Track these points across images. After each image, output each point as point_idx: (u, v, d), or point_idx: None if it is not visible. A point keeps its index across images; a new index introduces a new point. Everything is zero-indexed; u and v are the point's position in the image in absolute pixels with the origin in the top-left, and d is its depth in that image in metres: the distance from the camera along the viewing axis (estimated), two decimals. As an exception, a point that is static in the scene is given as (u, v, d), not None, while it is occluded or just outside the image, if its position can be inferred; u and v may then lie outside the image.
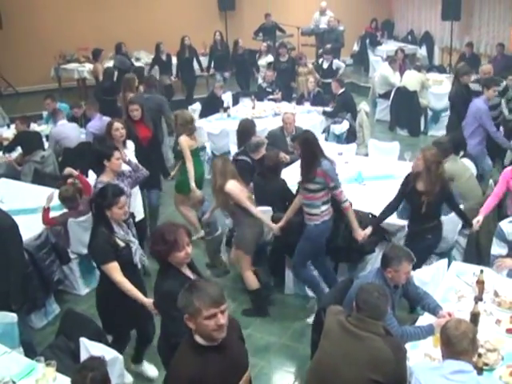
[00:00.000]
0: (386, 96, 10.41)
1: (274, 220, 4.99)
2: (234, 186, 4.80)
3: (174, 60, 11.64)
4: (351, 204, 4.61)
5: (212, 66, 11.73)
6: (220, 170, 4.83)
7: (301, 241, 4.65)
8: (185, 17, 13.39)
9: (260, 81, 10.26)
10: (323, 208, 4.53)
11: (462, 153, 5.69)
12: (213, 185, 4.90)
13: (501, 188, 4.70)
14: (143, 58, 12.34)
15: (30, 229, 4.83)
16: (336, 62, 10.68)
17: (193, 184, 5.76)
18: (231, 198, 4.79)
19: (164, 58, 11.29)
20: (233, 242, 5.16)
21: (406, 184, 4.58)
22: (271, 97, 9.57)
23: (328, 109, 8.58)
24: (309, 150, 4.50)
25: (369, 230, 4.64)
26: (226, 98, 9.52)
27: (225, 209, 5.05)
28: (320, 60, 11.03)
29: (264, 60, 11.10)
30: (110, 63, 10.89)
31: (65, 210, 5.31)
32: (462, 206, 4.82)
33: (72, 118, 7.92)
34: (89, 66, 11.68)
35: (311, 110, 8.78)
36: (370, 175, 6.04)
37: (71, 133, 7.18)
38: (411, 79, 9.84)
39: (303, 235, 4.62)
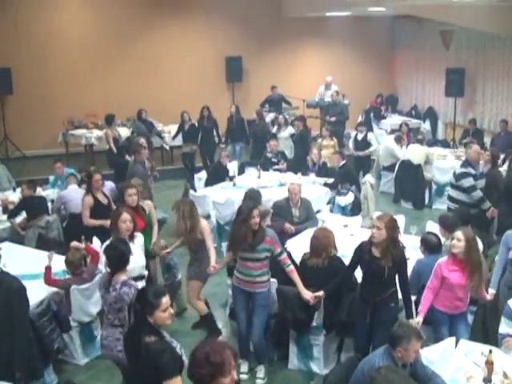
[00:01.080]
0: (390, 168, 10.61)
1: (278, 294, 5.09)
2: (207, 225, 5.47)
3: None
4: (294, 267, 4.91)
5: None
6: (189, 213, 5.37)
7: (261, 312, 4.92)
8: (194, 88, 13.96)
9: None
10: (269, 273, 4.95)
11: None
12: (180, 228, 5.37)
13: (435, 282, 4.53)
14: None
15: (32, 295, 4.76)
16: (370, 135, 10.86)
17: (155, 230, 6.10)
18: (202, 234, 5.35)
19: (186, 126, 11.39)
20: (189, 275, 5.54)
21: (361, 252, 4.66)
22: (276, 167, 9.73)
23: (328, 181, 8.74)
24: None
25: (321, 292, 4.78)
26: (232, 167, 9.72)
27: (190, 243, 5.45)
28: (354, 133, 11.28)
29: (287, 132, 11.26)
30: (122, 130, 11.31)
31: (68, 277, 5.30)
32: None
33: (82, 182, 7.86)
34: (96, 133, 12.02)
35: (316, 180, 8.97)
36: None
37: (77, 197, 7.20)
38: (416, 153, 10.06)
39: (262, 304, 4.93)
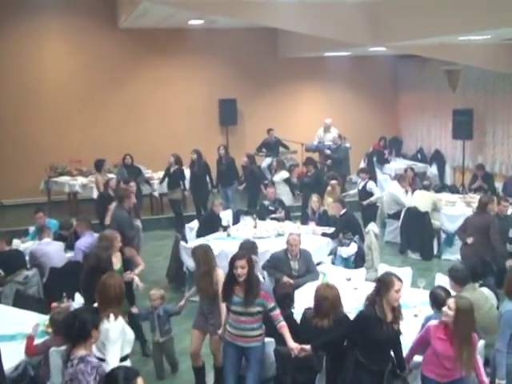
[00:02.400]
0: (395, 216, 10.63)
1: (276, 355, 5.05)
2: (222, 275, 5.33)
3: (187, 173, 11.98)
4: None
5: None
6: (203, 258, 5.46)
7: (255, 367, 4.91)
8: (185, 132, 14.14)
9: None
10: (263, 327, 4.94)
11: (480, 281, 5.83)
12: (195, 274, 5.45)
13: (419, 340, 4.53)
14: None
15: (7, 359, 4.63)
16: (370, 184, 10.80)
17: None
18: (217, 284, 5.32)
19: (172, 170, 11.47)
20: (211, 329, 5.51)
21: (370, 321, 4.46)
22: (274, 215, 9.73)
23: (328, 231, 8.76)
24: (254, 269, 4.95)
25: (308, 346, 4.68)
26: (226, 216, 9.72)
27: (206, 293, 5.48)
28: (358, 180, 11.35)
29: (279, 176, 11.32)
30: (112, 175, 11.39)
31: (47, 337, 5.21)
32: (482, 341, 4.72)
33: (59, 236, 8.07)
34: (81, 180, 12.08)
35: (316, 228, 8.99)
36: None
37: (52, 251, 7.29)
38: (422, 199, 10.11)
39: (256, 358, 4.92)
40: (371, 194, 10.70)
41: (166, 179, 11.44)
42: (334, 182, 10.42)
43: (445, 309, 4.36)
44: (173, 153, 11.48)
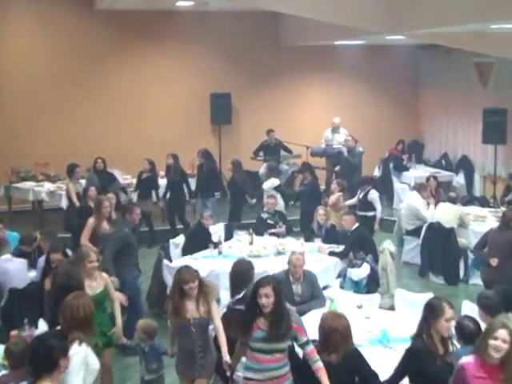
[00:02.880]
0: (415, 233, 10.62)
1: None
2: (216, 308, 5.36)
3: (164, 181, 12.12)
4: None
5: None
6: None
7: None
8: (170, 131, 14.20)
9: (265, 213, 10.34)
10: (289, 364, 4.82)
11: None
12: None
13: (457, 381, 4.42)
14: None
15: None
16: (372, 194, 10.75)
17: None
18: (211, 313, 5.29)
19: (143, 176, 11.59)
20: (192, 372, 5.35)
21: (425, 356, 4.50)
22: (273, 230, 9.74)
23: (336, 249, 8.78)
24: (282, 299, 4.75)
25: None
26: (217, 230, 9.70)
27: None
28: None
29: (269, 184, 11.37)
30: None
31: (3, 372, 5.11)
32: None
33: (21, 252, 7.97)
34: (48, 186, 12.04)
35: (323, 246, 8.97)
36: (398, 336, 5.95)
37: (12, 269, 7.28)
38: (447, 213, 10.12)
39: None
40: (372, 206, 10.68)
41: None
42: (338, 194, 10.52)
43: (496, 342, 4.24)
44: (147, 157, 11.52)
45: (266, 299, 4.69)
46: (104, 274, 6.25)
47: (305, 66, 15.21)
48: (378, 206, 10.72)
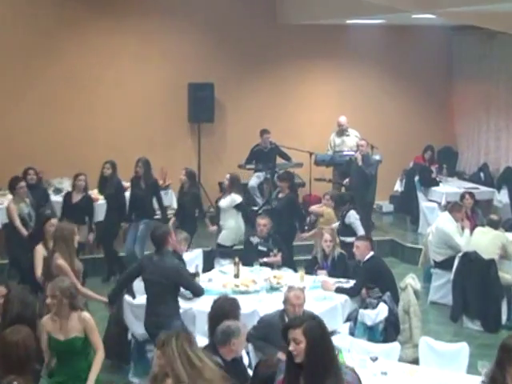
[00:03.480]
0: (446, 265, 10.65)
1: None
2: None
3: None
4: None
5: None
6: (183, 354, 4.99)
7: None
8: (136, 132, 14.25)
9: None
10: None
11: None
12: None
13: None
14: (66, 189, 12.46)
15: None
16: (350, 216, 10.82)
17: None
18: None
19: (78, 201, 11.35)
20: None
21: None
22: (266, 260, 9.74)
23: (345, 284, 8.84)
24: (322, 347, 4.49)
25: None
26: (194, 257, 9.72)
27: None
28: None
29: (227, 201, 11.24)
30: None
31: None
32: None
33: None
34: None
35: (328, 281, 9.02)
36: (423, 398, 6.03)
37: None
38: (486, 241, 10.13)
39: None
40: (352, 230, 10.74)
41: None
42: (328, 210, 10.85)
43: None
44: (78, 172, 11.36)
45: (295, 346, 4.47)
46: (85, 314, 6.29)
47: (309, 50, 15.22)
48: (359, 231, 10.71)
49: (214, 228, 11.38)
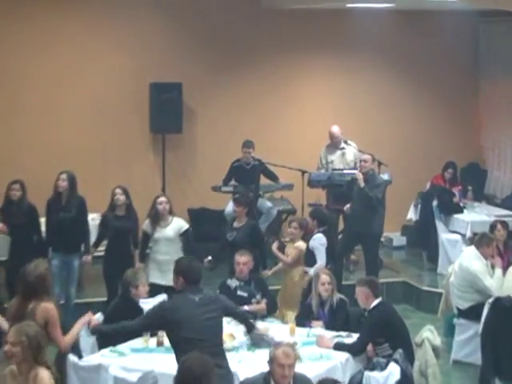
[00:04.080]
0: (472, 314, 10.61)
1: None
2: None
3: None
4: None
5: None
6: None
7: None
8: (83, 144, 14.30)
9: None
10: None
11: None
12: None
13: None
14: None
15: None
16: (316, 239, 11.06)
17: None
18: None
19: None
20: None
21: None
22: (247, 308, 9.73)
23: (346, 339, 8.89)
24: None
25: None
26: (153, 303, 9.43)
27: None
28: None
29: (170, 229, 11.38)
30: None
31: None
32: None
33: None
34: None
35: (325, 335, 8.98)
36: None
37: None
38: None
39: None
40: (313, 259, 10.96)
41: None
42: (298, 244, 10.98)
43: None
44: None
45: None
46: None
47: (301, 42, 15.36)
48: (320, 259, 10.92)
49: (140, 265, 11.41)
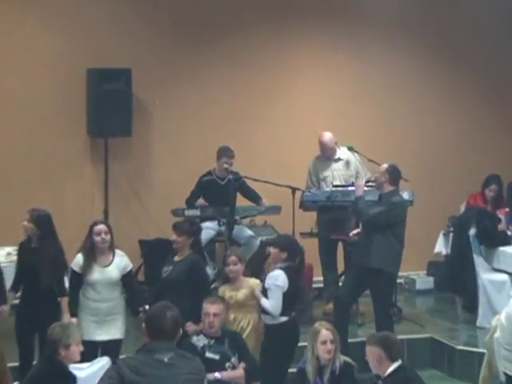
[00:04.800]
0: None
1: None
2: None
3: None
4: None
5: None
6: None
7: None
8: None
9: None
10: None
11: None
12: None
13: None
14: None
15: None
16: (272, 277, 11.09)
17: None
18: None
19: None
20: None
21: None
22: (218, 375, 9.81)
23: None
24: None
25: None
26: (96, 371, 9.68)
27: None
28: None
29: (121, 265, 11.36)
30: None
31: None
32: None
33: None
34: None
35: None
36: None
37: None
38: None
39: None
40: None
41: None
42: (249, 284, 11.25)
43: None
44: None
45: None
46: None
47: (290, 11, 15.47)
48: (271, 299, 10.95)
49: (73, 320, 11.23)
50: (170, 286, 11.38)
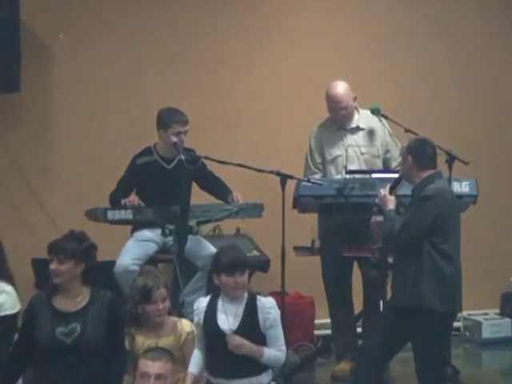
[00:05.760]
0: None
1: None
2: None
3: None
4: None
5: None
6: None
7: None
8: None
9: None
10: None
11: None
12: None
13: None
14: None
15: None
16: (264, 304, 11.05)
17: None
18: None
19: None
20: None
21: None
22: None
23: None
24: None
25: None
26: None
27: None
28: None
29: None
30: None
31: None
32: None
33: None
34: None
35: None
36: None
37: None
38: None
39: None
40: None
41: None
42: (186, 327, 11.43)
43: None
44: None
45: None
46: None
47: None
48: (280, 342, 10.77)
49: None
50: (81, 352, 10.41)
